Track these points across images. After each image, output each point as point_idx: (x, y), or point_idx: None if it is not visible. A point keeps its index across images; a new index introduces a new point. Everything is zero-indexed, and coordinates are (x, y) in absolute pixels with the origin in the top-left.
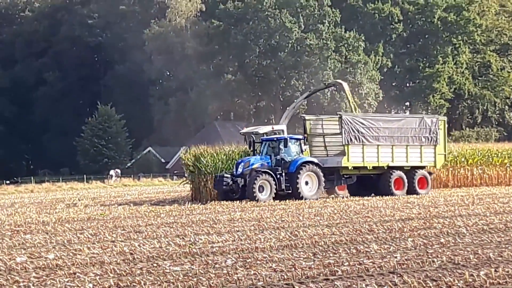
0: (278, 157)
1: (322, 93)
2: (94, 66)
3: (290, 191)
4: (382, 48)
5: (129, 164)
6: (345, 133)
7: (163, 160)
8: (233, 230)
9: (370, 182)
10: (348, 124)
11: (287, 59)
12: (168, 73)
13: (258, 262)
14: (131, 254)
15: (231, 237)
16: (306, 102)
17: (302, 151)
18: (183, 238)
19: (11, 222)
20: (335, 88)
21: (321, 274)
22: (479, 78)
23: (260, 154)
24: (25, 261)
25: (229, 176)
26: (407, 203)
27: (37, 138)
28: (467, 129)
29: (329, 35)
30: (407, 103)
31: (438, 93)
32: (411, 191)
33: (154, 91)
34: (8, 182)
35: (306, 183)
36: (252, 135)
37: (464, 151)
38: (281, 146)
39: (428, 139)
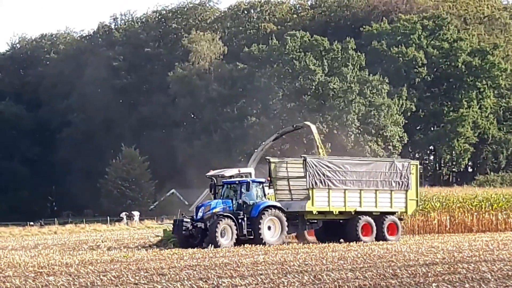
0: (240, 200)
1: (345, 136)
2: (119, 108)
3: (252, 237)
4: (406, 91)
5: (152, 206)
6: (309, 177)
7: (186, 202)
8: (256, 273)
9: (337, 228)
10: (313, 167)
11: (311, 101)
12: (192, 115)
13: None
14: None
15: (254, 280)
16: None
17: (264, 195)
18: (206, 281)
19: (34, 263)
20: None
21: None
22: (504, 123)
23: (221, 197)
24: None
25: (188, 220)
26: (432, 248)
27: (60, 179)
28: (492, 173)
29: (353, 78)
30: (431, 147)
31: (462, 137)
32: (380, 237)
33: (178, 133)
34: (32, 223)
35: (269, 228)
36: (214, 178)
37: (488, 195)
38: (243, 190)
39: (399, 184)
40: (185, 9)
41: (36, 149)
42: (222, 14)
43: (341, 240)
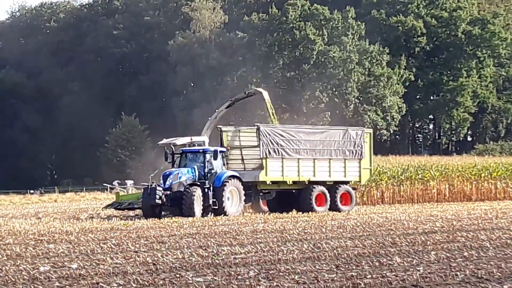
0: (205, 170)
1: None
2: (119, 76)
3: (216, 207)
4: (405, 61)
5: (152, 175)
6: (263, 146)
7: None
8: (255, 241)
9: (291, 198)
10: (266, 136)
11: (311, 71)
12: (192, 84)
13: (280, 274)
14: (154, 264)
15: (254, 248)
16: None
17: (224, 164)
18: (205, 249)
19: (34, 231)
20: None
21: (344, 287)
22: (503, 92)
23: (178, 166)
24: (48, 271)
25: (161, 189)
26: (431, 216)
27: (61, 148)
28: (491, 142)
29: (353, 47)
30: (431, 116)
31: (462, 106)
32: (333, 207)
33: (178, 102)
34: (32, 191)
35: (228, 198)
36: (171, 146)
37: (488, 164)
38: (210, 158)
39: (353, 153)
40: None
41: (36, 117)
42: None
43: (294, 210)
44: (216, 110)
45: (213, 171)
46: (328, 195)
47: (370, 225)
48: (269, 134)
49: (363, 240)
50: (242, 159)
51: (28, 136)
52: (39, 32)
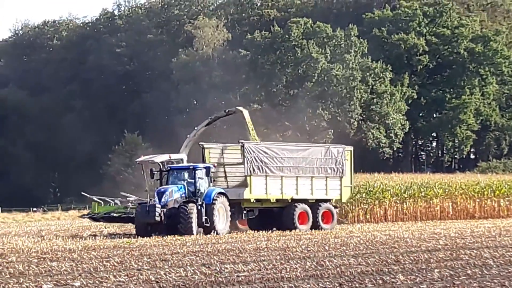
0: (193, 187)
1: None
2: (122, 94)
3: (208, 225)
4: (408, 79)
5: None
6: (247, 163)
7: None
8: (259, 259)
9: (272, 216)
10: (251, 153)
11: (313, 88)
12: (195, 102)
13: None
14: (157, 282)
15: (257, 266)
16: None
17: (211, 181)
18: (209, 267)
19: (37, 249)
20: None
21: None
22: (506, 110)
23: (166, 183)
24: None
25: (159, 206)
26: (434, 234)
27: (64, 165)
28: (494, 160)
29: (356, 65)
30: (434, 134)
31: (465, 124)
32: (314, 225)
33: (181, 120)
34: (35, 209)
35: (216, 216)
36: (159, 164)
37: (491, 182)
38: (201, 175)
39: (334, 171)
40: None
41: (39, 134)
42: (225, 0)
43: (274, 228)
44: (195, 128)
45: (202, 188)
46: (310, 213)
47: (373, 242)
48: (253, 151)
49: (367, 258)
50: (226, 177)
51: (31, 154)
52: (42, 50)
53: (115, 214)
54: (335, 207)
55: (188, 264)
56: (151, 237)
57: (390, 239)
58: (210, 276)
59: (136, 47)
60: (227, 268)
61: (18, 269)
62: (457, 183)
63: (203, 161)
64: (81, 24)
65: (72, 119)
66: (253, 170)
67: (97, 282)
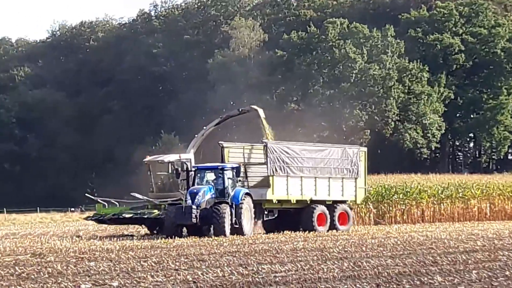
0: (222, 187)
1: None
2: (158, 95)
3: (237, 226)
4: (444, 79)
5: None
6: (270, 163)
7: None
8: (296, 260)
9: (287, 218)
10: (273, 153)
11: (350, 89)
12: (231, 103)
13: None
14: (194, 282)
15: (294, 266)
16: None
17: (237, 182)
18: (246, 267)
19: (75, 249)
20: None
21: None
22: None
23: (192, 184)
24: None
25: (195, 207)
26: (472, 235)
27: (101, 166)
28: None
29: (393, 65)
30: (471, 135)
31: (502, 125)
32: (331, 226)
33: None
34: (72, 209)
35: (244, 216)
36: (186, 163)
37: None
38: (232, 175)
39: (350, 172)
40: None
41: (76, 136)
42: (261, 1)
43: (291, 230)
44: (204, 128)
45: (230, 188)
46: (328, 214)
47: (411, 243)
48: (276, 151)
49: (404, 259)
50: (246, 177)
51: (69, 155)
52: (79, 51)
53: (126, 215)
54: (350, 208)
55: (225, 264)
56: (181, 238)
57: (428, 240)
58: (247, 277)
59: (172, 47)
60: (264, 269)
61: (57, 269)
62: (494, 184)
63: (222, 161)
64: (118, 25)
65: (109, 120)
66: (275, 170)
67: (134, 282)
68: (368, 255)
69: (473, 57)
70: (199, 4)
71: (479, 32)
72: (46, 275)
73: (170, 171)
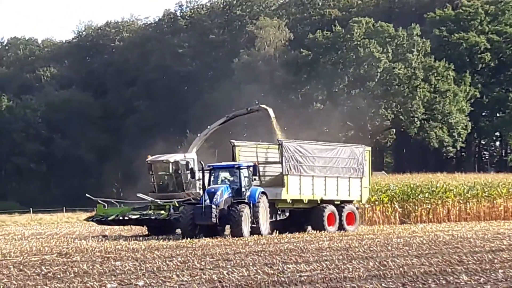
0: (239, 186)
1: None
2: (184, 95)
3: (254, 225)
4: (470, 78)
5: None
6: (285, 162)
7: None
8: (321, 259)
9: (298, 217)
10: (288, 151)
11: (376, 88)
12: (256, 102)
13: None
14: (220, 282)
15: (319, 266)
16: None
17: (253, 180)
18: (271, 266)
19: (101, 248)
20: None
21: None
22: None
23: (208, 183)
24: None
25: (215, 207)
26: (498, 234)
27: (127, 166)
28: None
29: (418, 64)
30: (497, 133)
31: None
32: (340, 227)
33: (243, 119)
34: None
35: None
36: (201, 162)
37: None
38: (248, 174)
39: (356, 171)
40: None
41: (102, 136)
42: (287, 0)
43: (298, 231)
44: (208, 127)
45: (246, 188)
46: (337, 214)
47: (436, 243)
48: (290, 150)
49: (430, 258)
50: (259, 176)
51: (95, 155)
52: (105, 51)
53: (132, 216)
54: (357, 208)
55: (251, 264)
56: (197, 238)
57: (453, 239)
58: (272, 276)
59: (198, 47)
60: (289, 268)
61: (83, 269)
62: None
63: (233, 159)
64: (143, 25)
65: (135, 120)
66: (290, 169)
67: (160, 281)
68: (393, 255)
69: (499, 55)
70: (224, 3)
71: (505, 30)
72: (72, 275)
73: (171, 171)
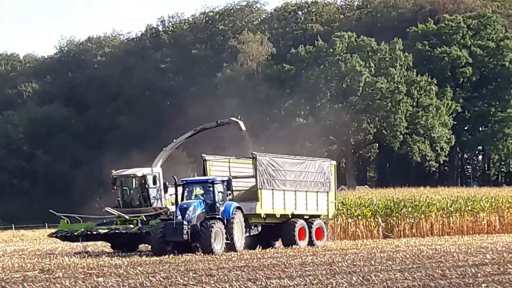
0: (212, 201)
1: None
2: (166, 110)
3: (228, 241)
4: (451, 92)
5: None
6: (259, 176)
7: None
8: (304, 274)
9: (268, 233)
10: (262, 165)
11: (358, 102)
12: (239, 117)
13: None
14: None
15: (303, 281)
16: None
17: (227, 195)
18: (254, 282)
19: (84, 265)
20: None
21: None
22: None
23: (181, 198)
24: None
25: (187, 223)
26: (481, 248)
27: (109, 181)
28: None
29: (401, 78)
30: (479, 147)
31: (510, 137)
32: (309, 242)
33: (226, 134)
34: None
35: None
36: (174, 177)
37: None
38: (221, 189)
39: (323, 185)
40: (232, 11)
41: (85, 151)
42: (269, 15)
43: (274, 244)
44: (174, 141)
45: (220, 203)
46: (307, 229)
47: (420, 257)
48: (264, 164)
49: (413, 273)
50: (232, 190)
51: (77, 170)
52: (87, 66)
53: (101, 231)
54: (325, 223)
55: (234, 279)
56: (168, 255)
57: (437, 254)
58: None
59: (180, 62)
60: (273, 283)
61: (65, 285)
62: (503, 197)
63: (204, 174)
64: (125, 40)
65: (117, 135)
66: (263, 183)
67: None
68: (377, 269)
69: (481, 70)
70: (206, 19)
71: (487, 45)
72: None
73: (136, 185)
